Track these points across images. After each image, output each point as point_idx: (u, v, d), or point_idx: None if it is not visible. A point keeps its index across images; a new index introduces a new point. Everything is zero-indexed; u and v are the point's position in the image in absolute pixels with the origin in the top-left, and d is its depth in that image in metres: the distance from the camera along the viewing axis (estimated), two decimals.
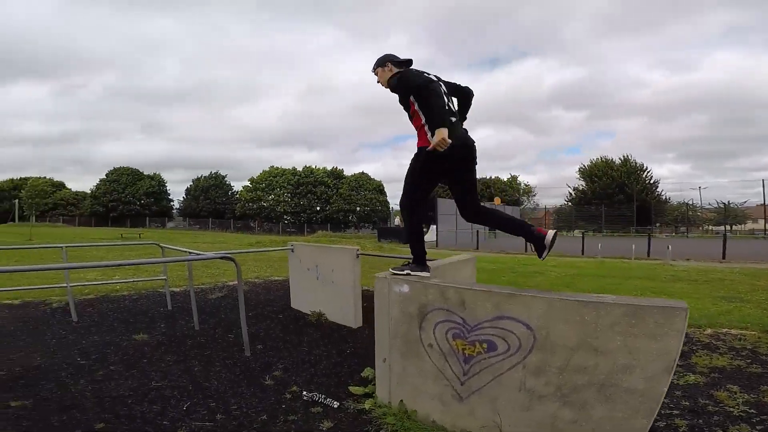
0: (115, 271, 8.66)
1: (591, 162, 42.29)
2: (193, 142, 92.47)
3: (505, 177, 51.07)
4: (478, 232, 21.44)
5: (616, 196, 38.18)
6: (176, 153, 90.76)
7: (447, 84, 2.71)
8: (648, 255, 15.72)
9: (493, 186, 46.05)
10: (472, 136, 2.64)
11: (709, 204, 41.10)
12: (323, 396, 2.97)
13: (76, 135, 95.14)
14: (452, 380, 2.45)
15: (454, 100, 2.72)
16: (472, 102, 2.82)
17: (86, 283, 6.31)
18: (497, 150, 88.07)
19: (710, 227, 39.57)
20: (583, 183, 42.38)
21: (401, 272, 2.74)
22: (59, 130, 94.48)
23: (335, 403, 2.87)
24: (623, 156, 40.77)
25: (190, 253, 4.45)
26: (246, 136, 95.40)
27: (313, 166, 48.81)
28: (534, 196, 55.18)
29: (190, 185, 51.96)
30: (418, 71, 2.63)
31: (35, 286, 6.01)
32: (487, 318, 2.26)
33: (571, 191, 43.88)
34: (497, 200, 34.97)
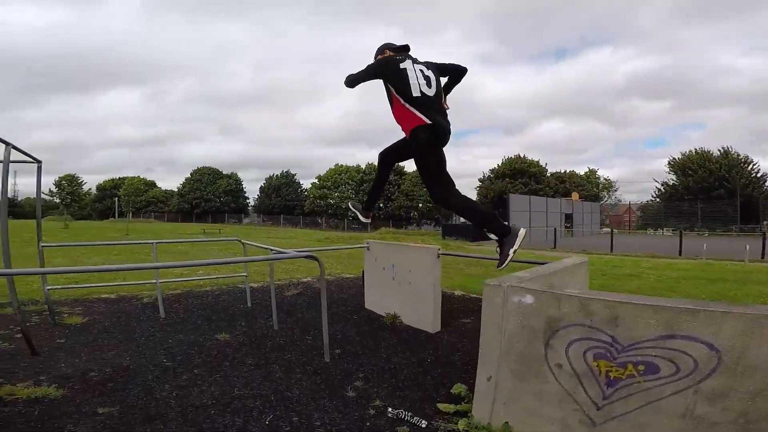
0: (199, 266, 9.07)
1: (683, 155, 37.84)
2: (265, 143, 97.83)
3: (581, 171, 47.57)
4: (555, 230, 19.95)
5: (715, 191, 33.79)
6: (251, 153, 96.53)
7: (437, 66, 2.78)
8: (762, 257, 13.63)
9: (569, 180, 42.95)
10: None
11: None
12: (409, 413, 2.65)
13: (164, 137, 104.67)
14: (585, 404, 2.07)
15: (440, 81, 2.74)
16: (462, 79, 2.89)
17: (173, 280, 6.53)
18: (569, 143, 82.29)
19: None
20: (674, 177, 38.06)
21: (508, 257, 2.51)
22: (150, 134, 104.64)
23: (423, 422, 2.56)
24: (723, 147, 35.98)
25: (271, 250, 4.31)
26: (313, 136, 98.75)
27: (376, 163, 48.96)
28: (615, 191, 50.96)
29: (264, 183, 54.89)
30: (387, 58, 2.78)
31: (129, 282, 6.33)
32: (650, 337, 1.83)
33: (659, 186, 39.67)
34: (575, 195, 32.52)
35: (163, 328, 4.44)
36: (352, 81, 2.78)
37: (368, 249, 5.73)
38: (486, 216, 2.59)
